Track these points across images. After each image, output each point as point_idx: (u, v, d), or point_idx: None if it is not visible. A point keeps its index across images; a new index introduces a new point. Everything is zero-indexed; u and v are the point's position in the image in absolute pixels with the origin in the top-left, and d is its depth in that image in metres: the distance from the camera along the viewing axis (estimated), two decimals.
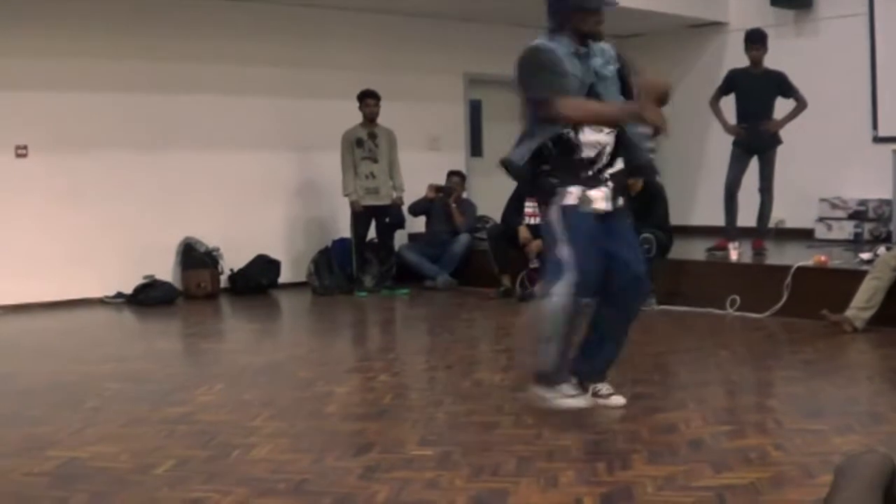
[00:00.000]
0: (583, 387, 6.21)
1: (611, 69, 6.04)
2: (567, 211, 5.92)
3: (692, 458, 5.09)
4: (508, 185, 12.11)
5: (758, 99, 11.77)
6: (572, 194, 5.93)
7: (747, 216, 12.01)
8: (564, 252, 5.84)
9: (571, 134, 5.94)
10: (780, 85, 11.80)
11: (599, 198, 5.98)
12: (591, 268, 5.88)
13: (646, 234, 10.61)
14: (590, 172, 5.99)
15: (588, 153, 5.97)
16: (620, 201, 6.11)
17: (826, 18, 14.69)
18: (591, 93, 5.94)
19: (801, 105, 11.76)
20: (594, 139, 5.97)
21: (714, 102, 12.04)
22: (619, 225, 6.12)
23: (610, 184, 6.04)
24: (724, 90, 12.04)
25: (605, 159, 6.03)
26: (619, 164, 6.10)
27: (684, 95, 14.74)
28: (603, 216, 5.99)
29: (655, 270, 10.75)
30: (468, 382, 7.23)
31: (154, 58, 12.69)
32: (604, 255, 5.98)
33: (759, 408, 6.50)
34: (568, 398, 6.01)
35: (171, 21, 12.82)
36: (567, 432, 5.61)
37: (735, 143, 11.92)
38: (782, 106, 11.95)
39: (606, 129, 5.98)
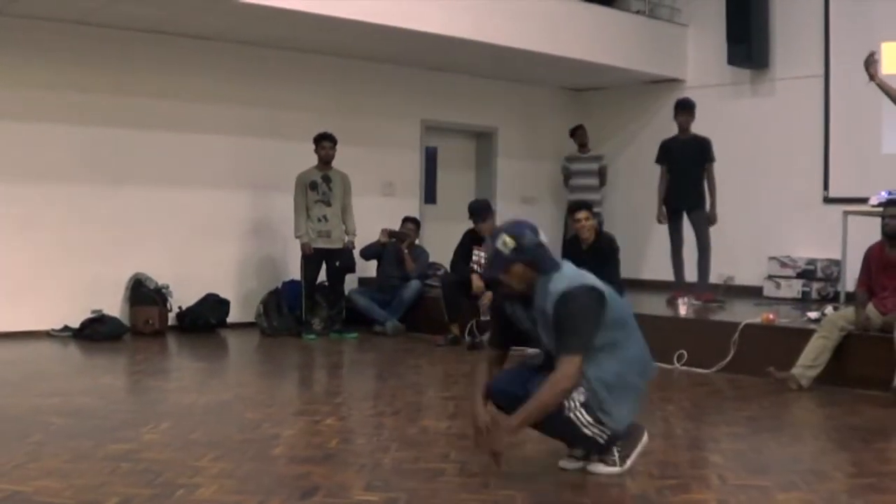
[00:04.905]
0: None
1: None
2: None
3: None
4: (460, 234, 12.21)
5: (685, 164, 12.64)
6: None
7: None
8: None
9: None
10: (705, 151, 12.63)
11: None
12: None
13: None
14: None
15: None
16: None
17: (782, 79, 14.89)
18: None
19: (711, 183, 12.67)
20: None
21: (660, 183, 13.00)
22: None
23: None
24: (658, 160, 12.99)
25: None
26: None
27: (639, 150, 14.91)
28: None
29: None
30: (415, 429, 7.22)
31: (110, 91, 12.68)
32: None
33: (703, 463, 6.51)
34: None
35: (130, 56, 12.81)
36: (513, 483, 5.61)
37: (665, 204, 12.83)
38: None
39: None
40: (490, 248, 5.88)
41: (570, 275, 5.80)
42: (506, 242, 5.77)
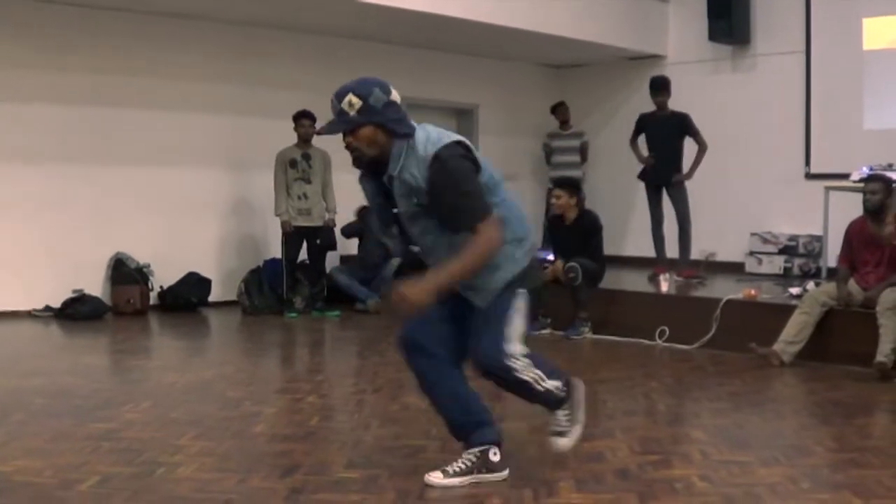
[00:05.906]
0: None
1: None
2: None
3: (618, 486, 5.11)
4: None
5: (664, 139, 12.64)
6: None
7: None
8: None
9: None
10: (683, 126, 12.56)
11: None
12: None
13: (571, 263, 10.63)
14: None
15: None
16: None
17: (763, 55, 14.87)
18: None
19: (702, 148, 12.60)
20: None
21: (632, 142, 12.98)
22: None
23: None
24: (636, 133, 12.98)
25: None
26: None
27: (620, 126, 14.88)
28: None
29: (585, 299, 10.81)
30: (396, 406, 7.22)
31: (90, 71, 12.59)
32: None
33: (685, 438, 6.53)
34: None
35: (111, 35, 12.71)
36: None
37: (644, 180, 12.94)
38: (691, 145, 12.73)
39: None
40: (335, 108, 5.10)
41: (432, 134, 5.16)
42: (352, 103, 5.04)
